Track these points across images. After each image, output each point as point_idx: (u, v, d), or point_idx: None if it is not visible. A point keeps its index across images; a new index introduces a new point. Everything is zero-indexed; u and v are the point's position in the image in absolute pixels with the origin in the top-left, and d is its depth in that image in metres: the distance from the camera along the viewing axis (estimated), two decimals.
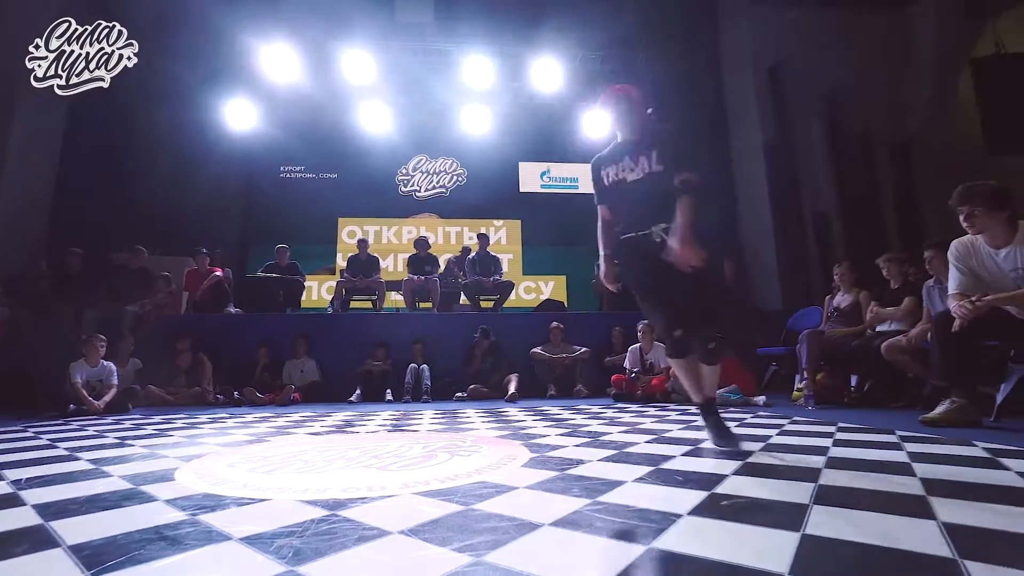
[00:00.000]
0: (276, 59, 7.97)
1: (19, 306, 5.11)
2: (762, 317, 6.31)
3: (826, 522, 1.06)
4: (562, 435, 2.49)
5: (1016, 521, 1.04)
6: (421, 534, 1.03)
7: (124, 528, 1.09)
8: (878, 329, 3.67)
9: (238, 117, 8.32)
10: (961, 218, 2.45)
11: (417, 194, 9.39)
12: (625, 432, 2.54)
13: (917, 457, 1.71)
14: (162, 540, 1.01)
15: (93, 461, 1.93)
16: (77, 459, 1.99)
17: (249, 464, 1.84)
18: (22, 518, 1.19)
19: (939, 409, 2.48)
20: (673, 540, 0.97)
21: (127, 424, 3.29)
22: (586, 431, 2.62)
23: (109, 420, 3.58)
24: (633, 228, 2.01)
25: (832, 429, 2.47)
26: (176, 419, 3.54)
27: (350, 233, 8.95)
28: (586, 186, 9.60)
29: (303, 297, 7.06)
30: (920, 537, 0.95)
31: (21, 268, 5.89)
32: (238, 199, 8.83)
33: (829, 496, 1.26)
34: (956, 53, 7.32)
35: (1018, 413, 2.67)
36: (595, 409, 3.85)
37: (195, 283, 6.22)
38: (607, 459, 1.83)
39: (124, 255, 6.12)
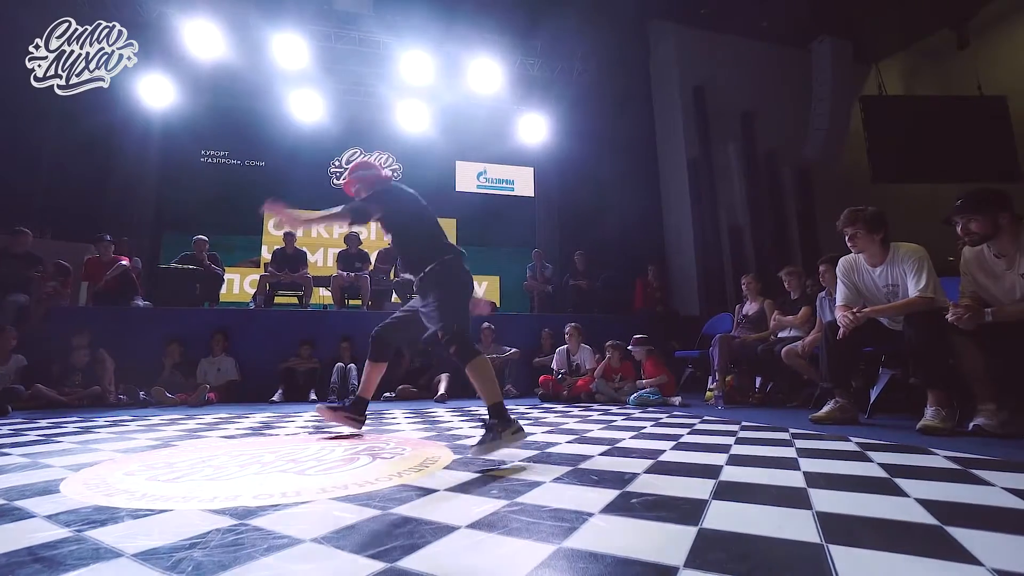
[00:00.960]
0: (198, 34, 7.40)
1: None
2: (678, 322, 6.71)
3: (721, 516, 1.15)
4: None
5: (874, 507, 1.19)
6: (334, 541, 1.01)
7: None
8: (779, 335, 4.03)
9: (153, 93, 7.62)
10: (846, 238, 2.76)
11: None
12: (548, 432, 2.62)
13: (803, 453, 1.91)
14: (37, 562, 0.92)
15: None
16: None
17: (150, 472, 1.71)
18: None
19: (826, 408, 2.77)
20: (582, 538, 1.02)
21: (4, 430, 2.93)
22: None
23: None
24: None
25: (736, 428, 2.68)
26: (67, 423, 3.20)
27: (277, 224, 8.49)
28: (521, 189, 9.73)
29: (223, 291, 6.62)
30: (797, 526, 1.07)
31: None
32: (152, 182, 8.09)
33: (727, 491, 1.37)
34: (848, 90, 8.21)
35: (887, 410, 3.05)
36: (522, 409, 3.92)
37: (96, 272, 5.64)
38: (529, 459, 1.88)
39: (3, 238, 5.42)
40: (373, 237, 8.76)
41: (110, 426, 3.05)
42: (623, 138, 8.80)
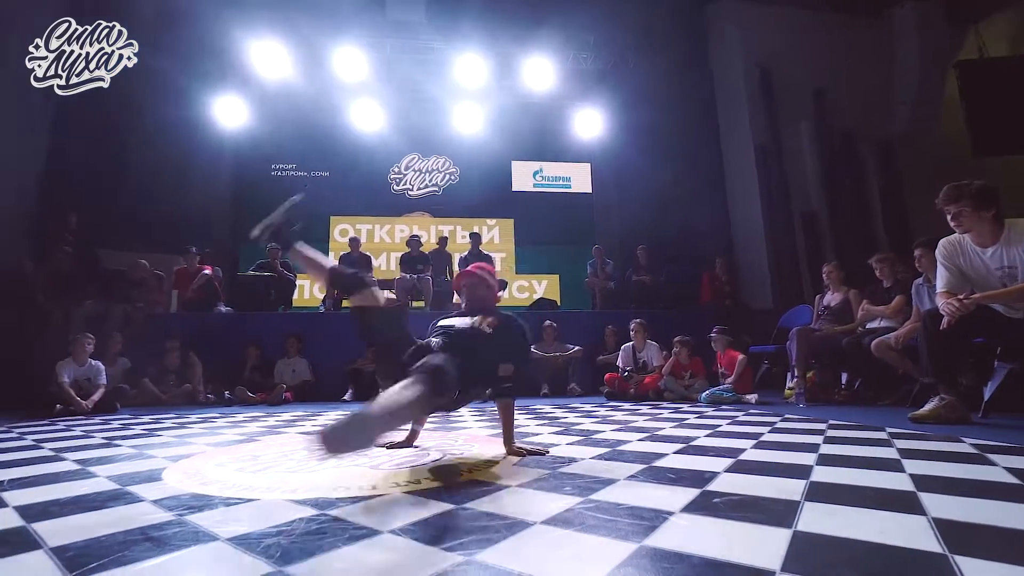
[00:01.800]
0: (266, 56, 7.91)
1: (7, 307, 5.03)
2: (750, 316, 6.35)
3: (818, 519, 1.06)
4: (555, 433, 2.49)
5: (1005, 515, 1.04)
6: (411, 533, 1.02)
7: (109, 529, 1.06)
8: (868, 326, 3.70)
9: (227, 114, 8.23)
10: (948, 217, 2.47)
11: (409, 193, 9.35)
12: (618, 430, 2.54)
13: (907, 453, 1.72)
14: (148, 541, 0.99)
15: (79, 462, 1.90)
16: (62, 459, 1.96)
17: (238, 464, 1.82)
18: (4, 520, 1.16)
19: (928, 406, 2.50)
20: (665, 537, 0.97)
21: (115, 424, 3.24)
22: (579, 429, 2.62)
23: (97, 420, 3.53)
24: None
25: (823, 426, 2.48)
26: (165, 419, 3.50)
27: (342, 232, 8.89)
28: (579, 185, 9.60)
29: (295, 296, 7.01)
30: (911, 533, 0.95)
31: (10, 267, 5.80)
32: (228, 197, 8.73)
33: (820, 493, 1.26)
34: (940, 56, 7.42)
35: (1005, 409, 2.70)
36: (588, 407, 3.85)
37: (184, 282, 6.15)
38: (600, 457, 1.83)
39: (126, 256, 6.07)
40: (433, 240, 8.97)
41: (201, 422, 3.29)
42: (683, 127, 8.47)
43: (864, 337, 3.51)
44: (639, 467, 1.62)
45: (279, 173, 9.04)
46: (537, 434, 2.48)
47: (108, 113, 7.28)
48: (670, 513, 1.12)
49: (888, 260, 3.79)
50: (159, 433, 2.75)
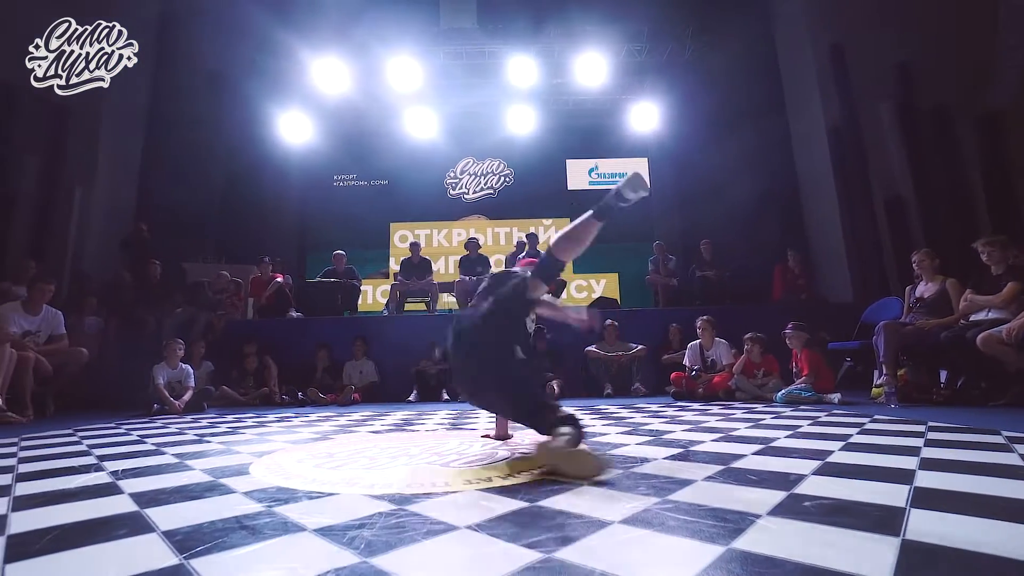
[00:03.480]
0: (327, 72, 8.32)
1: (111, 316, 5.58)
2: (828, 311, 5.92)
3: (931, 527, 0.96)
4: (623, 433, 2.43)
5: None
6: (488, 529, 1.02)
7: (208, 517, 1.14)
8: (972, 318, 3.34)
9: (294, 130, 8.75)
10: None
11: (466, 196, 9.52)
12: (689, 430, 2.44)
13: None
14: (243, 529, 1.06)
15: (177, 455, 2.06)
16: (163, 453, 2.13)
17: (316, 460, 1.90)
18: (121, 505, 1.28)
19: None
20: (754, 541, 0.92)
21: (204, 422, 3.50)
22: (647, 429, 2.54)
23: (188, 419, 3.83)
24: None
25: (922, 428, 2.26)
26: (247, 418, 3.73)
27: (402, 237, 9.18)
28: None
29: (359, 301, 7.30)
30: None
31: (109, 278, 6.43)
32: (295, 208, 9.28)
33: (930, 499, 1.15)
34: None
35: None
36: (654, 407, 3.73)
37: (259, 289, 6.56)
38: (673, 457, 1.76)
39: (208, 266, 6.59)
40: (490, 242, 9.07)
41: (278, 421, 3.48)
42: (746, 114, 8.05)
43: (968, 331, 3.17)
44: (716, 468, 1.55)
45: (341, 183, 9.49)
46: (604, 434, 2.42)
47: (190, 134, 7.92)
48: (756, 516, 1.06)
49: (999, 243, 3.34)
50: (242, 431, 2.94)
